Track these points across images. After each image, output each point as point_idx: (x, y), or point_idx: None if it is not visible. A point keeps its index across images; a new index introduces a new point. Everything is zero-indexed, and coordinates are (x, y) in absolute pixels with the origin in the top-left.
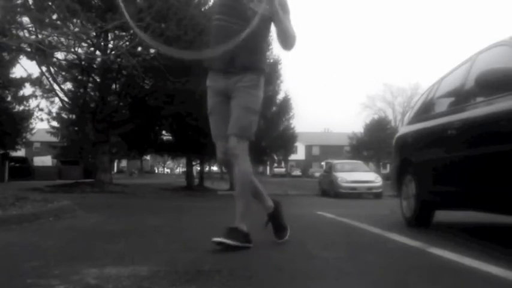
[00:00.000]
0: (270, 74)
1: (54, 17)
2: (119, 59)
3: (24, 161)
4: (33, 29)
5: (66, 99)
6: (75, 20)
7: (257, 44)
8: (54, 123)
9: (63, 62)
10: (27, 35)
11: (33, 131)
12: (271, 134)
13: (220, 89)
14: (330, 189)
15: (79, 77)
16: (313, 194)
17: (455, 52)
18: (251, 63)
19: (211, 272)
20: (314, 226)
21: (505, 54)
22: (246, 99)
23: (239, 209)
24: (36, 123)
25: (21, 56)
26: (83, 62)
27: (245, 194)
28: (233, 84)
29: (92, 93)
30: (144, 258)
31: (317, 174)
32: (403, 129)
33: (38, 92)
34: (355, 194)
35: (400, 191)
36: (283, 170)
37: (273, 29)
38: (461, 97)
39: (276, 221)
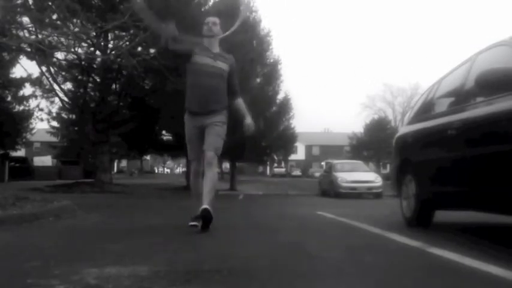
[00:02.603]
0: (270, 74)
1: (54, 17)
2: (119, 59)
3: (24, 161)
4: (33, 29)
5: (66, 99)
6: (75, 20)
7: (221, 95)
8: (54, 123)
9: (63, 62)
10: (27, 35)
11: (33, 131)
12: (271, 134)
13: (198, 125)
14: (330, 189)
15: (79, 77)
16: (313, 194)
17: (455, 52)
18: (219, 107)
19: (211, 272)
20: (314, 226)
21: (505, 54)
22: (218, 130)
23: (208, 197)
24: (36, 123)
25: (21, 56)
26: (83, 62)
27: (213, 189)
28: (207, 121)
29: (92, 93)
30: (144, 258)
31: (317, 174)
32: (403, 129)
33: (38, 92)
34: (355, 194)
35: (400, 191)
36: (283, 170)
37: (274, 28)
38: (461, 97)
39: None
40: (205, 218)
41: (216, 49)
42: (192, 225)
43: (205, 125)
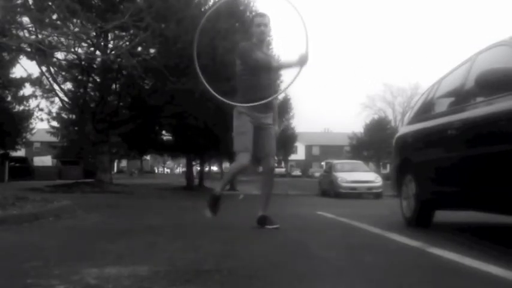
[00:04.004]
0: None
1: (54, 17)
2: (119, 59)
3: (24, 161)
4: (33, 29)
5: (66, 99)
6: (75, 20)
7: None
8: (54, 123)
9: (63, 62)
10: (27, 35)
11: (33, 131)
12: None
13: (254, 121)
14: (330, 189)
15: (79, 77)
16: (313, 194)
17: (455, 52)
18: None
19: (211, 272)
20: (314, 226)
21: (505, 54)
22: (274, 133)
23: (268, 204)
24: (36, 123)
25: (21, 56)
26: (83, 62)
27: (271, 194)
28: (263, 120)
29: (92, 93)
30: (144, 258)
31: (317, 174)
32: (403, 129)
33: (38, 92)
34: (355, 194)
35: (400, 191)
36: (283, 170)
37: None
38: (461, 97)
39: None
40: (271, 223)
41: (268, 51)
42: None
43: (260, 123)
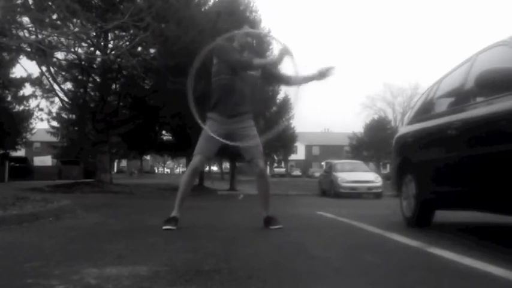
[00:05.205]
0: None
1: (54, 17)
2: (119, 59)
3: (24, 161)
4: (33, 29)
5: (66, 99)
6: (75, 20)
7: (248, 101)
8: (54, 123)
9: (63, 62)
10: (27, 35)
11: (33, 131)
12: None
13: (222, 128)
14: (330, 189)
15: (79, 77)
16: (313, 194)
17: (455, 52)
18: (246, 112)
19: (211, 272)
20: (314, 226)
21: (505, 54)
22: (253, 135)
23: (269, 205)
24: (36, 123)
25: (21, 56)
26: (83, 62)
27: (269, 194)
28: (234, 126)
29: (92, 93)
30: (144, 258)
31: (317, 174)
32: (403, 129)
33: (38, 92)
34: (355, 194)
35: (400, 191)
36: (283, 170)
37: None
38: (461, 97)
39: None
40: (276, 223)
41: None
42: (167, 229)
43: (234, 128)
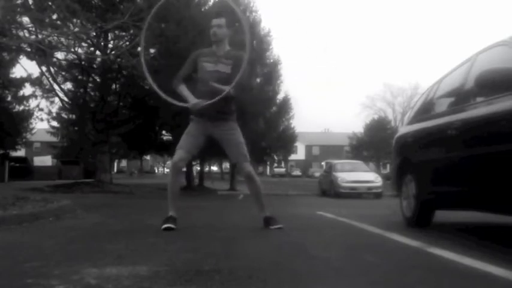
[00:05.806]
0: (270, 74)
1: (54, 17)
2: (118, 59)
3: (24, 161)
4: (33, 29)
5: (66, 99)
6: (75, 20)
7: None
8: (54, 123)
9: (63, 62)
10: (27, 35)
11: (33, 131)
12: (271, 134)
13: (204, 130)
14: (330, 189)
15: (79, 77)
16: (313, 194)
17: (455, 52)
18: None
19: (211, 272)
20: (314, 226)
21: (505, 54)
22: (235, 138)
23: (264, 205)
24: (36, 123)
25: (21, 56)
26: (83, 62)
27: (262, 196)
28: (215, 129)
29: (92, 93)
30: (144, 258)
31: (317, 174)
32: (403, 129)
33: (38, 92)
34: (355, 194)
35: (400, 191)
36: (283, 170)
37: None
38: (461, 97)
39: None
40: (275, 223)
41: (223, 51)
42: (166, 228)
43: (214, 132)
